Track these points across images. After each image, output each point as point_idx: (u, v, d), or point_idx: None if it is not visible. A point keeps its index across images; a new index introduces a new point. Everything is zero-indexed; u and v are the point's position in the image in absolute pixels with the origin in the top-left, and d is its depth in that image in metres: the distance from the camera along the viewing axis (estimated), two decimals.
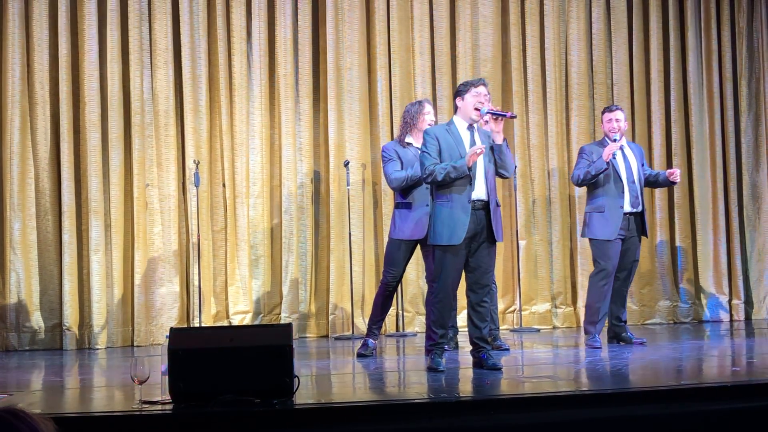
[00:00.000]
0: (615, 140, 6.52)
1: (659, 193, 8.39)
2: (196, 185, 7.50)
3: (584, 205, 6.87)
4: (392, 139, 8.00)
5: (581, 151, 6.76)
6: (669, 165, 8.48)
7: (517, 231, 8.17)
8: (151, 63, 7.58)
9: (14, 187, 7.29)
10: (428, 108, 6.41)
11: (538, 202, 8.24)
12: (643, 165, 6.72)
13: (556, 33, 8.36)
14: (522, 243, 8.17)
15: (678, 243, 8.44)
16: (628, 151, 6.68)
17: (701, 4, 8.62)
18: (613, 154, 6.49)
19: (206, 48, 7.70)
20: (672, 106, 8.51)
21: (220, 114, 7.72)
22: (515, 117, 5.67)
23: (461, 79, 8.14)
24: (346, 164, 7.79)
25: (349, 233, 7.81)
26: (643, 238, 6.75)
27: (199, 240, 7.50)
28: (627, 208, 6.54)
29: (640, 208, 6.60)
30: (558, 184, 8.26)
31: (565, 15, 8.41)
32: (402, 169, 6.25)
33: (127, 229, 7.46)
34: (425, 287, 7.79)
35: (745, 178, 8.64)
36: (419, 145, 6.11)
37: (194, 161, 7.53)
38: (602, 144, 6.69)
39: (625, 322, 6.74)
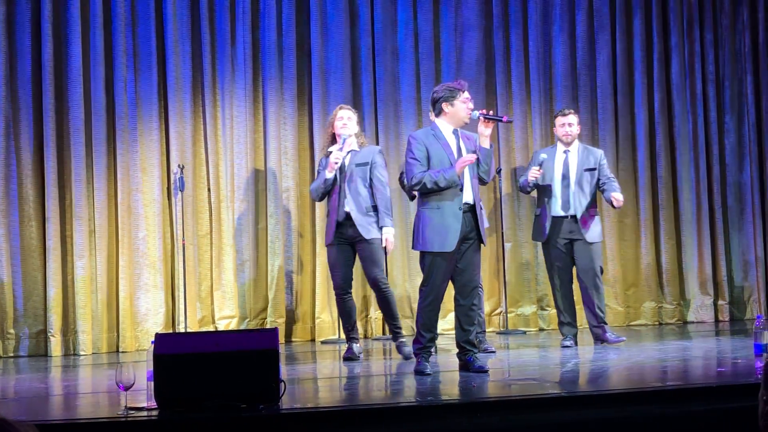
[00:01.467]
0: (541, 158, 6.73)
1: (643, 195, 8.42)
2: (181, 190, 7.48)
3: None
4: (377, 143, 8.01)
5: (533, 156, 7.00)
6: (654, 166, 8.51)
7: (503, 233, 8.17)
8: (135, 67, 7.55)
9: None
10: (340, 113, 6.42)
11: (523, 205, 8.25)
12: (593, 169, 6.73)
13: (539, 35, 8.38)
14: (507, 245, 8.18)
15: (663, 244, 8.47)
16: (572, 156, 6.76)
17: (684, 5, 8.66)
18: (552, 158, 6.66)
19: (191, 52, 7.68)
20: (656, 108, 8.55)
21: (204, 118, 7.70)
22: (511, 121, 5.72)
23: (445, 82, 8.12)
24: None
25: None
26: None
27: (184, 245, 7.47)
28: (556, 212, 6.69)
29: (571, 212, 6.65)
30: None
31: (549, 17, 8.42)
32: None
33: (111, 235, 7.42)
34: (411, 291, 7.82)
35: (729, 178, 8.68)
36: (334, 149, 6.32)
37: (179, 165, 7.50)
38: (552, 150, 6.87)
39: (604, 322, 6.75)
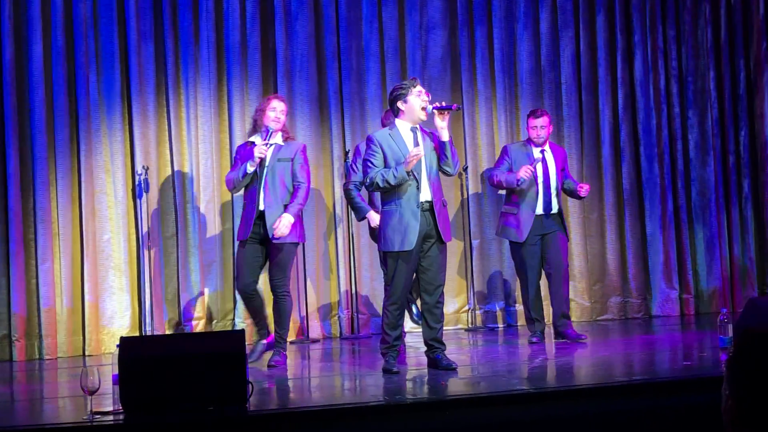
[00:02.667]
0: (536, 158, 6.72)
1: (608, 190, 8.48)
2: (146, 191, 7.41)
3: None
4: (344, 143, 8.00)
5: (504, 151, 6.99)
6: (617, 162, 8.57)
7: (470, 230, 8.19)
8: (97, 68, 7.47)
9: None
10: (273, 103, 6.13)
11: (489, 202, 8.27)
12: (563, 170, 6.84)
13: (504, 33, 8.41)
14: (475, 243, 8.20)
15: (628, 239, 8.53)
16: (549, 155, 6.83)
17: (647, 2, 8.72)
18: (528, 156, 6.70)
19: (154, 52, 7.61)
20: (620, 104, 8.60)
21: (168, 118, 7.63)
22: (461, 108, 5.73)
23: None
24: None
25: None
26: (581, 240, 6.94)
27: (149, 247, 7.41)
28: (539, 211, 6.75)
29: (555, 210, 6.73)
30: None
31: (513, 15, 8.45)
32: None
33: (75, 237, 7.34)
34: (380, 289, 7.81)
35: (693, 173, 8.76)
36: (257, 140, 6.13)
37: (143, 167, 7.44)
38: (525, 146, 6.85)
39: (568, 318, 6.79)
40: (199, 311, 7.55)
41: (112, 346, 7.18)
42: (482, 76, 8.34)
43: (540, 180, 6.75)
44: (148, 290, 7.38)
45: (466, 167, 8.18)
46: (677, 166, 8.71)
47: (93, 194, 7.37)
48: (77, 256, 7.33)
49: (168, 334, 6.95)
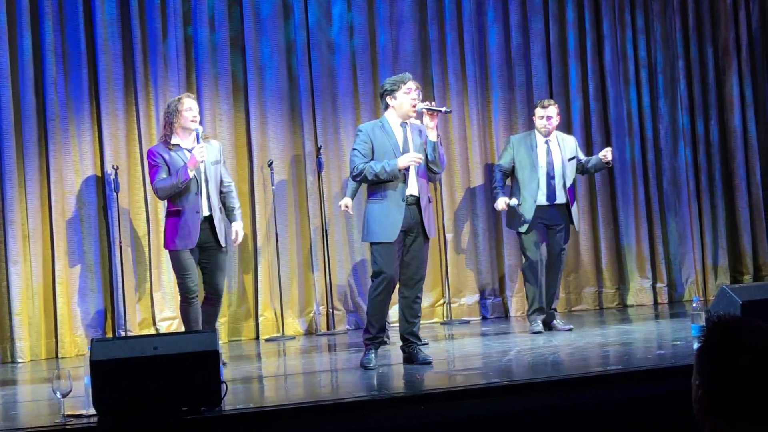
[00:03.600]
0: (513, 202, 6.78)
1: (580, 181, 8.49)
2: (116, 191, 7.34)
3: (508, 194, 7.01)
4: (316, 138, 7.96)
5: (508, 143, 6.96)
6: (589, 153, 8.56)
7: (443, 224, 8.19)
8: (64, 67, 7.39)
9: None
10: (188, 103, 6.00)
11: (462, 195, 8.28)
12: (574, 158, 6.83)
13: (474, 26, 8.40)
14: (449, 236, 8.21)
15: (601, 230, 8.56)
16: (553, 145, 6.81)
17: None
18: (533, 147, 6.65)
19: (121, 50, 7.54)
20: (590, 95, 8.62)
21: (138, 117, 7.56)
22: (450, 112, 5.77)
23: (382, 75, 8.12)
24: (270, 164, 7.72)
25: (276, 233, 7.74)
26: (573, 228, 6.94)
27: (121, 246, 7.35)
28: (541, 201, 6.71)
29: (562, 201, 6.73)
30: (481, 176, 8.31)
31: (483, 7, 8.45)
32: (169, 175, 5.92)
33: (46, 239, 7.27)
34: (355, 286, 7.81)
35: (664, 163, 8.80)
36: (188, 146, 5.99)
37: (113, 166, 7.36)
38: (529, 137, 6.84)
39: (555, 309, 6.87)
40: (172, 311, 7.49)
41: (85, 348, 7.12)
42: (453, 69, 8.33)
43: (543, 170, 6.72)
44: (120, 291, 7.31)
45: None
46: (648, 156, 8.75)
47: (63, 195, 7.30)
48: (48, 258, 7.26)
49: (141, 335, 6.89)
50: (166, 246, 6.11)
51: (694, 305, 5.59)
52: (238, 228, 6.17)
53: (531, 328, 6.72)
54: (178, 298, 7.40)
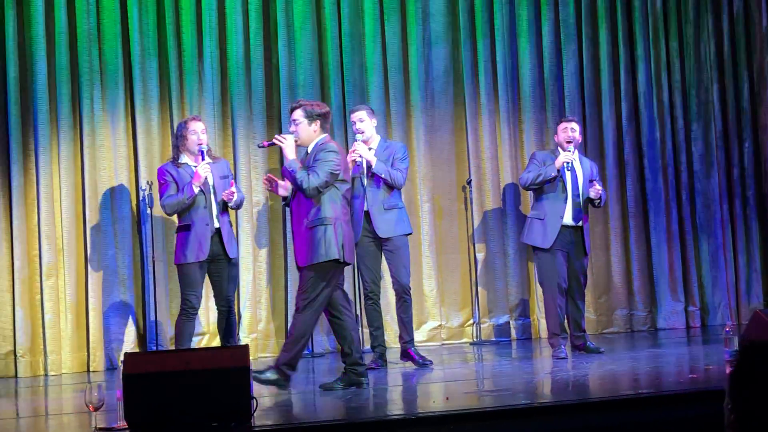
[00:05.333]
0: (569, 151, 6.60)
1: (613, 203, 8.46)
2: (150, 206, 7.42)
3: None
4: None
5: (533, 156, 6.92)
6: (621, 175, 8.56)
7: (474, 244, 8.18)
8: (101, 84, 7.49)
9: None
10: (192, 126, 6.25)
11: (492, 215, 8.27)
12: (591, 181, 6.75)
13: (506, 47, 8.42)
14: (479, 256, 8.19)
15: (633, 252, 8.50)
16: (577, 164, 6.77)
17: (649, 15, 8.74)
18: (564, 165, 6.57)
19: (157, 68, 7.64)
20: (623, 117, 8.60)
21: (172, 133, 7.64)
22: (263, 146, 5.80)
23: (414, 94, 8.17)
24: None
25: None
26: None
27: (154, 262, 7.41)
28: (567, 220, 6.63)
29: (580, 223, 6.66)
30: (512, 196, 8.30)
31: (516, 29, 8.47)
32: (177, 192, 6.17)
33: (80, 253, 7.35)
34: (384, 305, 7.81)
35: (697, 186, 8.75)
36: (195, 163, 6.20)
37: (147, 182, 7.44)
38: (554, 153, 6.78)
39: (584, 331, 6.80)
40: (203, 326, 7.54)
41: (116, 362, 7.19)
42: (485, 89, 8.34)
43: (569, 187, 6.65)
44: (152, 305, 7.37)
45: (470, 180, 8.18)
46: (681, 179, 8.70)
47: (97, 209, 7.38)
48: (81, 272, 7.34)
49: (172, 350, 6.93)
50: (176, 260, 6.25)
51: (726, 329, 5.54)
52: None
53: (555, 354, 6.56)
54: (210, 314, 7.49)
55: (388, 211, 6.43)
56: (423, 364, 6.36)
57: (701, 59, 8.86)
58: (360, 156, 6.37)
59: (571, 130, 6.73)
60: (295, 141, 5.44)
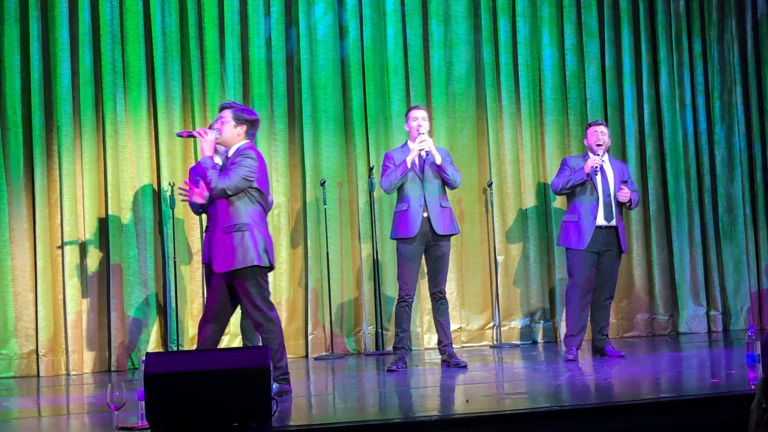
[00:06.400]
0: (598, 154, 6.62)
1: (634, 206, 8.41)
2: (172, 207, 7.46)
3: (560, 218, 6.96)
4: (368, 159, 8.01)
5: (563, 162, 6.93)
6: (644, 178, 8.52)
7: (494, 246, 8.17)
8: (124, 85, 7.54)
9: None
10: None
11: (513, 218, 8.25)
12: (626, 182, 6.78)
13: (528, 48, 8.40)
14: (500, 258, 8.17)
15: (654, 255, 8.46)
16: (607, 166, 6.78)
17: (672, 17, 8.69)
18: (594, 168, 6.58)
19: (180, 69, 7.68)
20: (645, 120, 8.56)
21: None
22: (182, 135, 5.74)
23: (435, 95, 8.17)
24: (323, 183, 7.78)
25: (327, 252, 7.79)
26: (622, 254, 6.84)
27: (175, 262, 7.44)
28: (600, 221, 6.65)
29: (614, 223, 6.66)
30: (533, 198, 8.28)
31: (538, 31, 8.45)
32: None
33: (102, 253, 7.39)
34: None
35: (720, 189, 8.70)
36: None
37: (169, 183, 7.48)
38: (584, 157, 6.79)
39: (607, 336, 6.78)
40: None
41: (137, 362, 7.23)
42: (506, 91, 8.33)
43: (600, 189, 6.67)
44: (173, 306, 7.41)
45: (491, 183, 8.17)
46: (704, 182, 8.65)
47: (119, 210, 7.43)
48: (103, 272, 7.38)
49: (193, 350, 6.96)
50: (203, 259, 6.31)
51: (749, 334, 5.50)
52: None
53: (565, 355, 6.60)
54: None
55: (444, 209, 6.47)
56: (461, 365, 6.40)
57: (724, 61, 8.80)
58: (426, 149, 6.39)
59: (600, 133, 6.75)
60: (217, 139, 5.43)
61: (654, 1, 8.69)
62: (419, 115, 6.53)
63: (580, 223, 6.66)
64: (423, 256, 6.51)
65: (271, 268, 5.35)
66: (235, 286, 5.29)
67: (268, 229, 5.49)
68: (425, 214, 6.39)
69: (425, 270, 6.74)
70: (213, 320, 5.33)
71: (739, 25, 8.87)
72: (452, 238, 6.64)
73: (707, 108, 8.74)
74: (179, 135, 5.72)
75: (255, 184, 5.31)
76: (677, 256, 8.50)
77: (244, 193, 5.28)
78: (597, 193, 6.65)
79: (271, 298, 7.62)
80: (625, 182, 6.78)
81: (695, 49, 8.75)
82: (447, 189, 6.55)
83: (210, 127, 5.63)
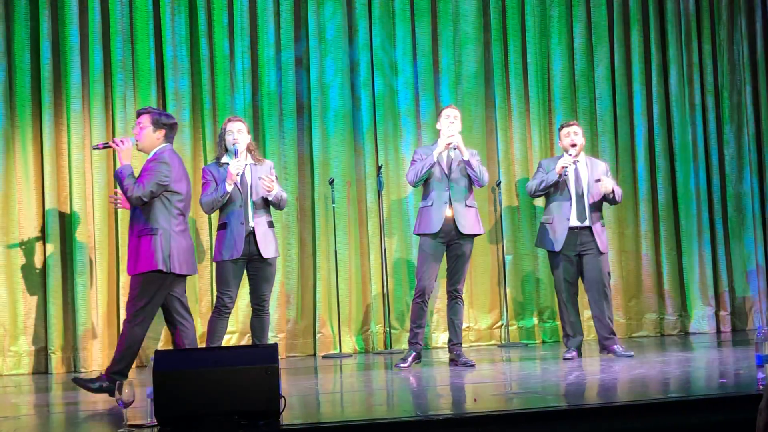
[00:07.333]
0: (571, 155, 6.65)
1: (643, 206, 8.42)
2: None
3: None
4: (376, 158, 8.02)
5: (539, 165, 6.97)
6: (653, 178, 8.51)
7: (503, 246, 8.16)
8: (134, 84, 7.56)
9: None
10: (229, 126, 6.21)
11: (522, 217, 8.25)
12: (599, 180, 6.76)
13: (537, 48, 8.40)
14: (508, 258, 8.17)
15: (663, 255, 8.45)
16: (582, 166, 6.82)
17: (682, 17, 8.68)
18: (565, 168, 6.63)
19: (189, 68, 7.70)
20: (655, 119, 8.55)
21: (204, 134, 7.70)
22: (97, 148, 5.83)
23: (444, 95, 8.17)
24: (331, 182, 7.79)
25: (335, 251, 7.80)
26: (610, 254, 6.91)
27: None
28: (573, 222, 6.68)
29: (587, 223, 6.68)
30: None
31: (547, 30, 8.45)
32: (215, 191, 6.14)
33: (111, 251, 7.41)
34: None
35: (729, 189, 8.68)
36: (230, 161, 6.16)
37: None
38: (558, 160, 6.83)
39: (614, 334, 6.78)
40: (232, 325, 7.57)
41: (145, 360, 7.24)
42: (516, 91, 8.33)
43: (572, 189, 6.72)
44: None
45: (500, 182, 8.17)
46: (713, 182, 8.64)
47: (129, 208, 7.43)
48: (113, 270, 7.40)
49: (202, 348, 6.98)
50: (214, 258, 6.28)
51: (758, 334, 5.48)
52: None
53: (564, 354, 6.72)
54: (239, 313, 7.54)
55: (469, 209, 6.50)
56: (469, 365, 6.43)
57: (734, 61, 8.78)
58: (454, 144, 6.43)
59: (573, 134, 6.81)
60: (135, 145, 5.51)
61: (664, 1, 8.68)
62: (451, 113, 6.61)
63: (555, 225, 6.74)
64: (444, 255, 6.53)
65: (174, 275, 5.42)
66: (131, 282, 5.44)
67: (187, 232, 5.55)
68: (450, 212, 6.42)
69: (443, 269, 6.75)
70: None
71: (749, 24, 8.84)
72: None
73: (716, 108, 8.72)
74: (95, 148, 5.90)
75: (172, 187, 5.40)
76: (686, 255, 8.48)
77: (159, 198, 5.38)
78: (569, 193, 6.71)
79: (281, 297, 7.69)
80: (599, 180, 6.78)
81: (705, 49, 8.73)
82: (474, 189, 6.56)
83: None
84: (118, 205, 5.89)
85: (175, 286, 5.50)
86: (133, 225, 5.46)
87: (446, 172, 6.48)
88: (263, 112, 7.84)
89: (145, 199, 5.34)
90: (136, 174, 5.47)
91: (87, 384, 5.38)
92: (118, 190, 5.77)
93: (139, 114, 5.61)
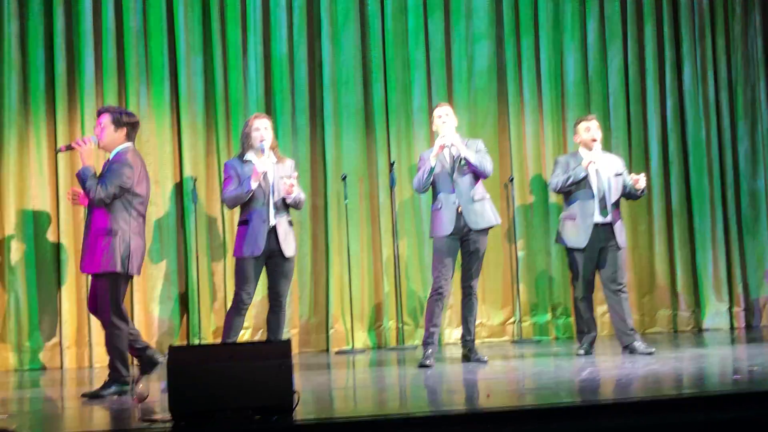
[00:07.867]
0: (594, 149, 6.64)
1: (657, 202, 8.40)
2: (194, 201, 7.50)
3: None
4: (389, 154, 8.02)
5: (556, 162, 6.89)
6: (666, 174, 8.48)
7: (515, 241, 8.16)
8: (147, 80, 7.59)
9: (12, 206, 7.29)
10: (255, 124, 6.18)
11: (534, 213, 8.24)
12: (620, 175, 6.74)
13: (550, 44, 8.38)
14: (521, 254, 8.17)
15: (677, 251, 8.43)
16: (602, 161, 6.74)
17: (695, 12, 8.65)
18: (591, 163, 6.59)
19: (202, 64, 7.71)
20: (668, 115, 8.53)
21: (216, 130, 7.72)
22: (61, 151, 5.89)
23: (457, 91, 8.16)
24: (344, 178, 7.80)
25: (348, 247, 7.81)
26: (636, 249, 6.84)
27: (197, 256, 7.49)
28: (597, 218, 6.63)
29: (609, 219, 6.64)
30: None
31: (560, 26, 8.43)
32: (238, 187, 6.12)
33: None
34: (425, 300, 7.82)
35: (743, 185, 8.65)
36: (253, 158, 6.16)
37: (191, 177, 7.52)
38: (575, 155, 6.77)
39: (633, 330, 6.71)
40: (246, 321, 7.58)
41: (159, 355, 7.26)
42: (528, 86, 8.32)
43: (595, 185, 6.67)
44: (196, 299, 7.45)
45: (512, 178, 8.16)
46: (727, 178, 8.60)
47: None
48: None
49: (216, 344, 7.00)
50: (234, 253, 6.27)
51: None
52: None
53: (576, 351, 6.74)
54: (253, 308, 7.55)
55: (477, 202, 6.46)
56: (482, 361, 6.45)
57: (748, 56, 8.75)
58: (448, 144, 6.42)
59: (593, 128, 6.74)
60: (97, 145, 5.53)
61: None
62: (441, 111, 6.55)
63: (579, 221, 6.67)
64: (459, 251, 6.52)
65: (130, 276, 5.50)
66: (94, 285, 5.49)
67: (144, 233, 5.61)
68: (459, 211, 6.40)
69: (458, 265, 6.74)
70: None
71: (764, 19, 8.81)
72: None
73: (730, 103, 8.69)
74: (58, 151, 6.00)
75: (133, 190, 5.45)
76: (700, 252, 8.46)
77: (119, 200, 5.41)
78: (592, 189, 6.65)
79: (294, 293, 7.70)
80: (619, 175, 6.75)
81: (719, 44, 8.70)
82: (481, 180, 6.53)
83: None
84: (76, 202, 5.89)
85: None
86: (91, 223, 5.48)
87: (449, 171, 6.45)
88: (276, 109, 7.85)
89: (108, 201, 5.38)
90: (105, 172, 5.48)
91: (98, 393, 5.41)
92: (77, 188, 5.78)
93: (99, 113, 5.65)
